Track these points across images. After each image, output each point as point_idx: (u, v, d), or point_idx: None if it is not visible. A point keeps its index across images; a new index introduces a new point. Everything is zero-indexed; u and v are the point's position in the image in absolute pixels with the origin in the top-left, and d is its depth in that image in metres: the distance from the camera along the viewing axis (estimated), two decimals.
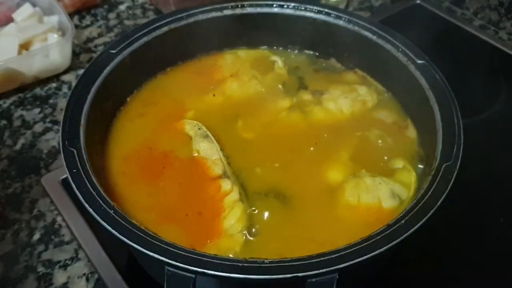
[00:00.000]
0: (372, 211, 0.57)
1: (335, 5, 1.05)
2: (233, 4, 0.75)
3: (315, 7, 0.73)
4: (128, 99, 0.71)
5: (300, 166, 0.63)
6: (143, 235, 0.46)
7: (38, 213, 0.72)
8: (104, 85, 0.64)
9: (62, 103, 0.88)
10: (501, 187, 0.74)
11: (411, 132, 0.66)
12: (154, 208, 0.58)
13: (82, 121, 0.58)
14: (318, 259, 0.45)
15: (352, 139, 0.65)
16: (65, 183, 0.74)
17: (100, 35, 1.03)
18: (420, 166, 0.62)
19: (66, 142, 0.55)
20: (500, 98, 0.88)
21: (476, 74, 0.93)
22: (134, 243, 0.46)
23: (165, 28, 0.72)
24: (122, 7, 1.10)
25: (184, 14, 0.73)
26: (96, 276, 0.65)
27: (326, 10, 0.73)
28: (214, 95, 0.72)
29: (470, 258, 0.66)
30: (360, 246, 0.46)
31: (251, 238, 0.55)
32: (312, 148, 0.65)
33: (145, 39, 0.70)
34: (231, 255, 0.53)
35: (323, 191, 0.60)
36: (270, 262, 0.45)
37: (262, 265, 0.45)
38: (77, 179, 0.51)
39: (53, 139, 0.82)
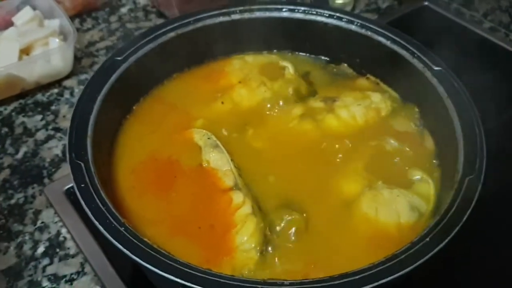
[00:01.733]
0: (390, 225, 0.55)
1: (342, 7, 1.03)
2: (241, 8, 0.73)
3: (326, 11, 0.71)
4: (134, 107, 0.69)
5: (314, 177, 0.61)
6: (157, 255, 0.44)
7: (42, 225, 0.70)
8: (110, 94, 0.62)
9: (64, 109, 0.86)
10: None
11: (428, 142, 0.64)
12: (165, 221, 0.56)
13: (89, 132, 0.56)
14: (341, 280, 0.43)
15: (367, 149, 0.63)
16: (69, 193, 0.72)
17: (101, 38, 1.01)
18: (438, 177, 0.60)
19: (73, 155, 0.53)
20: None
21: (487, 78, 0.91)
22: (148, 263, 0.43)
23: (172, 34, 0.70)
24: (123, 10, 1.08)
25: (191, 19, 0.71)
26: None
27: (337, 14, 0.71)
28: (222, 102, 0.69)
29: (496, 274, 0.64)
30: (384, 266, 0.44)
31: (265, 255, 0.53)
32: (325, 158, 0.63)
33: (151, 45, 0.68)
34: (245, 272, 0.51)
35: (339, 204, 0.58)
36: (290, 284, 0.43)
37: (283, 286, 0.43)
38: (86, 194, 0.49)
39: (56, 147, 0.80)
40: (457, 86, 0.61)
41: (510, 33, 1.00)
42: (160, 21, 1.05)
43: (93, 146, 0.55)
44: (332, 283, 0.43)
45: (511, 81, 0.91)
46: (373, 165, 0.61)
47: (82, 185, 0.50)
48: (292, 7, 0.72)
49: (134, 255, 0.44)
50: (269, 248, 0.54)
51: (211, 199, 0.58)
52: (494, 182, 0.61)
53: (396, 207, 0.56)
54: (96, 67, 0.94)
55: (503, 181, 0.70)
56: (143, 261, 0.44)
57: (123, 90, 0.65)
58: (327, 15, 0.71)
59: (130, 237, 0.46)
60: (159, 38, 0.69)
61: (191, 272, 0.43)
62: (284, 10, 0.73)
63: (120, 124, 0.66)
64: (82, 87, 0.89)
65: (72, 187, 0.71)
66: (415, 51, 0.66)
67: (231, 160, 0.61)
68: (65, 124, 0.83)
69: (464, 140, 0.55)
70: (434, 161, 0.62)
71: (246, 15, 0.73)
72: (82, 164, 0.52)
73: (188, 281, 0.43)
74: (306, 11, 0.72)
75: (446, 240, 0.45)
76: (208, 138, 0.63)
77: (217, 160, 0.61)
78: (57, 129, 0.83)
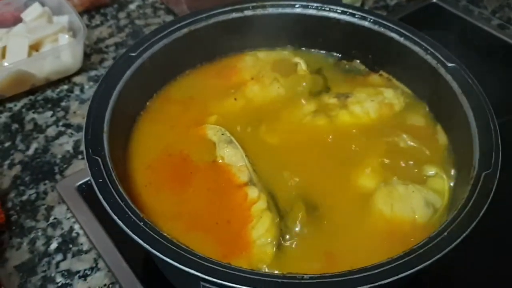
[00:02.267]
0: (406, 220, 0.55)
1: (351, 3, 1.03)
2: (254, 4, 0.73)
3: (339, 8, 0.71)
4: (148, 103, 0.69)
5: (329, 173, 0.61)
6: (177, 249, 0.44)
7: (54, 220, 0.70)
8: (125, 90, 0.62)
9: (74, 105, 0.86)
10: None
11: (442, 137, 0.64)
12: (182, 217, 0.56)
13: (105, 128, 0.56)
14: (361, 274, 0.43)
15: (381, 145, 0.63)
16: (81, 189, 0.72)
17: (110, 35, 1.01)
18: (453, 173, 0.60)
19: (90, 151, 0.53)
20: None
21: (497, 75, 0.91)
22: (169, 258, 0.44)
23: (185, 30, 0.70)
24: (132, 6, 1.08)
25: (204, 15, 0.71)
26: (117, 287, 0.63)
27: (350, 10, 0.71)
28: (235, 99, 0.69)
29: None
30: (402, 261, 0.44)
31: (281, 249, 0.53)
32: (340, 154, 0.63)
33: (164, 41, 0.68)
34: (263, 267, 0.52)
35: (354, 200, 0.58)
36: (310, 278, 0.43)
37: (302, 281, 0.43)
38: (104, 189, 0.49)
39: (67, 143, 0.80)
40: (471, 82, 0.61)
41: None
42: (169, 17, 1.05)
43: (109, 142, 0.55)
44: (352, 277, 0.43)
45: None
46: (387, 161, 0.61)
47: (100, 180, 0.50)
48: (305, 3, 0.72)
49: (155, 249, 0.44)
50: (286, 243, 0.54)
51: (227, 195, 0.58)
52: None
53: (411, 203, 0.56)
54: (105, 63, 0.94)
55: None
56: (164, 255, 0.44)
57: (138, 86, 0.65)
58: (340, 11, 0.71)
59: (150, 232, 0.46)
60: (173, 34, 0.68)
61: (211, 266, 0.43)
62: (297, 6, 0.72)
63: (134, 121, 0.66)
64: (92, 83, 0.90)
65: (84, 183, 0.72)
66: (428, 47, 0.66)
67: (245, 155, 0.61)
68: (76, 120, 0.84)
69: (479, 135, 0.55)
70: (448, 156, 0.62)
71: (259, 11, 0.73)
72: (99, 160, 0.52)
73: (209, 275, 0.43)
74: (319, 8, 0.72)
75: (464, 235, 0.45)
76: (222, 134, 0.63)
77: (232, 156, 0.61)
78: (68, 125, 0.83)
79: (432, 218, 0.55)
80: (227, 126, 0.65)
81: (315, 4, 0.72)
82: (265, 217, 0.54)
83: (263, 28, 0.74)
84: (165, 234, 0.46)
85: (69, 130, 0.82)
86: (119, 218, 0.47)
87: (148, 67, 0.66)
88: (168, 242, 0.45)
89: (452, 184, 0.58)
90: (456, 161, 0.61)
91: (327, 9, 0.72)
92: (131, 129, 0.65)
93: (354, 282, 0.43)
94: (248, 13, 0.73)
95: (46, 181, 0.74)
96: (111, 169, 0.52)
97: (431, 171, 0.60)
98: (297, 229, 0.55)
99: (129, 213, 0.48)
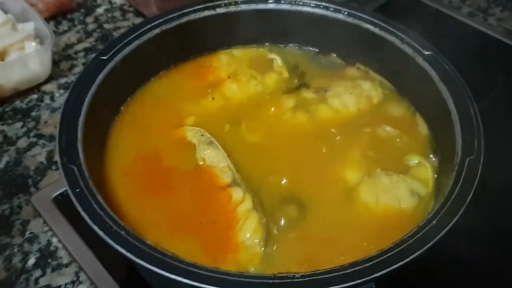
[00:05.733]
0: (392, 210, 0.55)
1: None
2: (226, 1, 0.71)
3: (312, 2, 0.71)
4: (122, 107, 0.67)
5: (312, 168, 0.60)
6: (163, 257, 0.43)
7: (31, 235, 0.67)
8: (97, 95, 0.59)
9: (45, 115, 0.83)
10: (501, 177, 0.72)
11: (422, 126, 0.64)
12: (165, 221, 0.54)
13: (79, 135, 0.54)
14: (352, 269, 0.42)
15: (362, 137, 0.63)
16: (57, 201, 0.69)
17: (79, 40, 0.98)
18: (434, 160, 0.60)
19: (65, 159, 0.51)
20: (497, 84, 0.87)
21: (469, 62, 0.92)
22: (155, 266, 0.42)
23: (157, 30, 0.68)
24: (99, 10, 1.05)
25: (176, 14, 0.69)
26: None
27: (324, 4, 0.70)
28: (213, 98, 0.68)
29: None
30: (393, 252, 0.44)
31: (270, 249, 0.52)
32: (322, 149, 0.62)
33: (136, 42, 0.66)
34: (251, 269, 0.50)
35: (339, 193, 0.57)
36: (302, 277, 0.42)
37: (294, 280, 0.42)
38: (82, 199, 0.47)
39: (40, 154, 0.77)
40: (449, 69, 0.61)
41: (488, 17, 1.02)
42: (138, 20, 1.02)
43: (84, 150, 0.53)
44: (344, 272, 0.42)
45: (494, 64, 0.92)
46: (369, 152, 0.61)
47: (77, 190, 0.48)
48: None
49: (140, 259, 0.42)
50: (273, 242, 0.53)
51: (211, 197, 0.56)
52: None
53: (396, 193, 0.56)
54: (75, 70, 0.91)
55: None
56: (150, 264, 0.42)
57: (110, 90, 0.62)
58: (313, 5, 0.70)
59: (133, 241, 0.44)
60: (144, 35, 0.67)
61: (199, 272, 0.42)
62: (270, 1, 0.72)
63: (109, 126, 0.64)
64: (62, 91, 0.87)
65: (60, 194, 0.70)
66: (404, 36, 0.66)
67: (227, 156, 0.59)
68: (48, 130, 0.81)
69: (460, 122, 0.55)
70: (429, 144, 0.62)
71: (232, 8, 0.71)
72: (75, 168, 0.50)
73: (197, 281, 0.41)
74: (292, 2, 0.71)
75: (452, 222, 0.45)
76: (202, 135, 0.62)
77: (213, 157, 0.59)
78: (40, 136, 0.80)
79: (418, 207, 0.55)
80: (206, 127, 0.63)
81: None
82: (251, 217, 0.53)
83: (237, 25, 0.73)
84: (149, 242, 0.45)
85: (41, 141, 0.79)
86: (99, 228, 0.45)
87: (120, 70, 0.64)
88: (152, 250, 0.43)
89: (435, 172, 0.58)
90: (437, 149, 0.61)
91: (301, 3, 0.71)
92: (106, 135, 0.63)
93: (346, 277, 0.42)
94: (220, 10, 0.71)
95: (20, 195, 0.71)
96: (88, 178, 0.50)
97: (413, 160, 0.60)
98: (284, 227, 0.54)
99: (110, 222, 0.46)
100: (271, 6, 0.72)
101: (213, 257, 0.50)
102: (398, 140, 0.63)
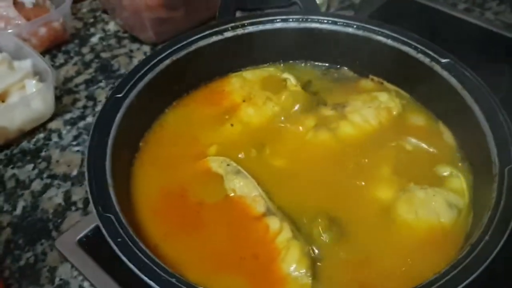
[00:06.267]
0: (433, 226, 0.54)
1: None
2: (233, 24, 0.71)
3: (320, 17, 0.70)
4: (140, 144, 0.65)
5: (344, 189, 0.59)
6: None
7: (61, 282, 0.65)
8: (118, 135, 0.58)
9: (55, 154, 0.81)
10: None
11: (447, 134, 0.64)
12: (205, 259, 0.53)
13: (109, 180, 0.53)
14: None
15: (389, 151, 0.62)
16: (82, 242, 0.67)
17: (78, 72, 0.96)
18: (464, 169, 0.60)
19: (100, 209, 0.49)
20: (503, 79, 0.87)
21: (473, 58, 0.92)
22: None
23: (168, 61, 0.67)
24: (94, 39, 1.03)
25: (184, 42, 0.68)
26: None
27: (332, 19, 0.70)
28: (232, 124, 0.67)
29: None
30: (452, 274, 0.43)
31: (319, 278, 0.51)
32: (350, 167, 0.61)
33: (149, 76, 0.65)
34: None
35: (377, 213, 0.57)
36: None
37: None
38: (126, 249, 0.46)
39: (56, 196, 0.75)
40: (469, 75, 0.60)
41: (485, 12, 1.02)
42: (134, 46, 1.01)
43: (116, 195, 0.52)
44: None
45: (498, 58, 0.91)
46: (399, 167, 0.61)
47: (119, 240, 0.46)
48: (285, 17, 0.71)
49: None
50: (319, 270, 0.52)
51: (246, 229, 0.55)
52: None
53: (434, 207, 0.55)
54: (79, 104, 0.89)
55: None
56: None
57: (129, 128, 0.61)
58: (322, 21, 0.70)
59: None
60: (156, 67, 0.65)
61: None
62: (277, 21, 0.71)
63: (131, 165, 0.63)
64: (69, 127, 0.85)
65: (84, 236, 0.68)
66: (418, 45, 0.65)
67: (258, 184, 0.58)
68: (60, 169, 0.79)
69: (491, 129, 0.54)
70: (457, 153, 0.62)
71: (239, 31, 0.70)
72: (112, 217, 0.49)
73: None
74: (300, 19, 0.70)
75: (506, 235, 0.45)
76: (228, 165, 0.61)
77: (243, 187, 0.58)
78: (53, 176, 0.77)
79: (458, 220, 0.55)
80: (230, 155, 0.62)
81: (296, 17, 0.71)
82: (293, 247, 0.52)
83: (245, 47, 0.72)
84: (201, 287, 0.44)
85: (56, 181, 0.77)
86: (150, 279, 0.43)
87: (136, 106, 0.63)
88: None
89: (470, 182, 0.58)
90: (466, 157, 0.61)
91: (309, 20, 0.70)
92: (129, 175, 0.62)
93: None
94: (228, 34, 0.70)
95: (43, 240, 0.69)
96: (127, 225, 0.48)
97: (445, 171, 0.59)
98: (327, 253, 0.53)
99: (158, 271, 0.44)
100: (278, 25, 0.71)
101: None
102: (424, 151, 0.62)
